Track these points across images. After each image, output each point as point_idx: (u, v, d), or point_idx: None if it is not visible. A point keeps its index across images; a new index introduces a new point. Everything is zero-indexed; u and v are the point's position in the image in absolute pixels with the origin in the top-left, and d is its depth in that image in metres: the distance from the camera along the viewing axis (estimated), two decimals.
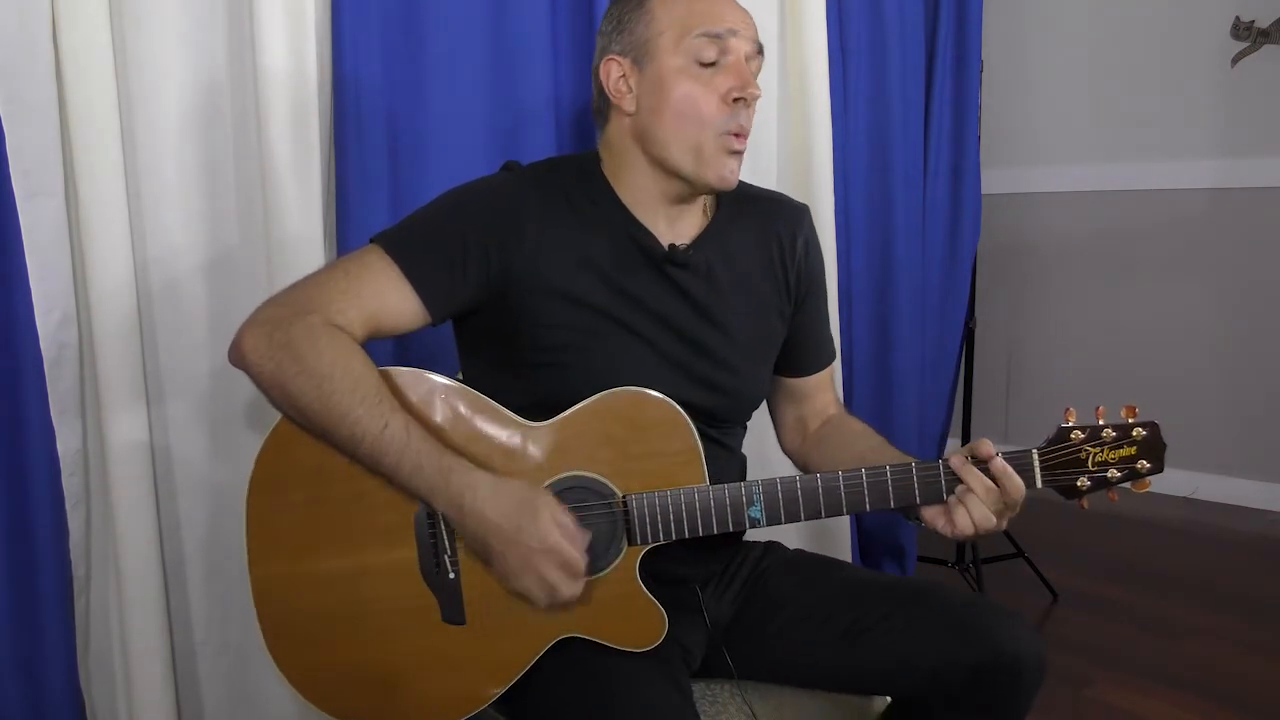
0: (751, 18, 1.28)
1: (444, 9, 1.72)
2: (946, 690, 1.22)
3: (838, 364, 2.29)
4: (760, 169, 2.18)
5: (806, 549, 1.49)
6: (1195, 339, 3.57)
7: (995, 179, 3.30)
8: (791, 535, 2.29)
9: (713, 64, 1.23)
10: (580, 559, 1.14)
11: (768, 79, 2.17)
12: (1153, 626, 2.59)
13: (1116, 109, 3.67)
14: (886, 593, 1.31)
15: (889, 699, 1.39)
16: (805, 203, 2.19)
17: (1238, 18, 3.35)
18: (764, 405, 1.49)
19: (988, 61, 2.78)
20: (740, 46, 1.25)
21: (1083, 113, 3.75)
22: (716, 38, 1.23)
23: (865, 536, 2.56)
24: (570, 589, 1.14)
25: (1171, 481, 3.57)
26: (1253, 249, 3.43)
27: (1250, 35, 3.33)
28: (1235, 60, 3.38)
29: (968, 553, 2.74)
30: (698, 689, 1.32)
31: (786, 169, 2.26)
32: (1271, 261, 3.39)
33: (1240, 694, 2.24)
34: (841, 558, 2.35)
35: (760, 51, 1.28)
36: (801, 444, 1.48)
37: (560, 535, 1.13)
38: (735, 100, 1.23)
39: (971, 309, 2.80)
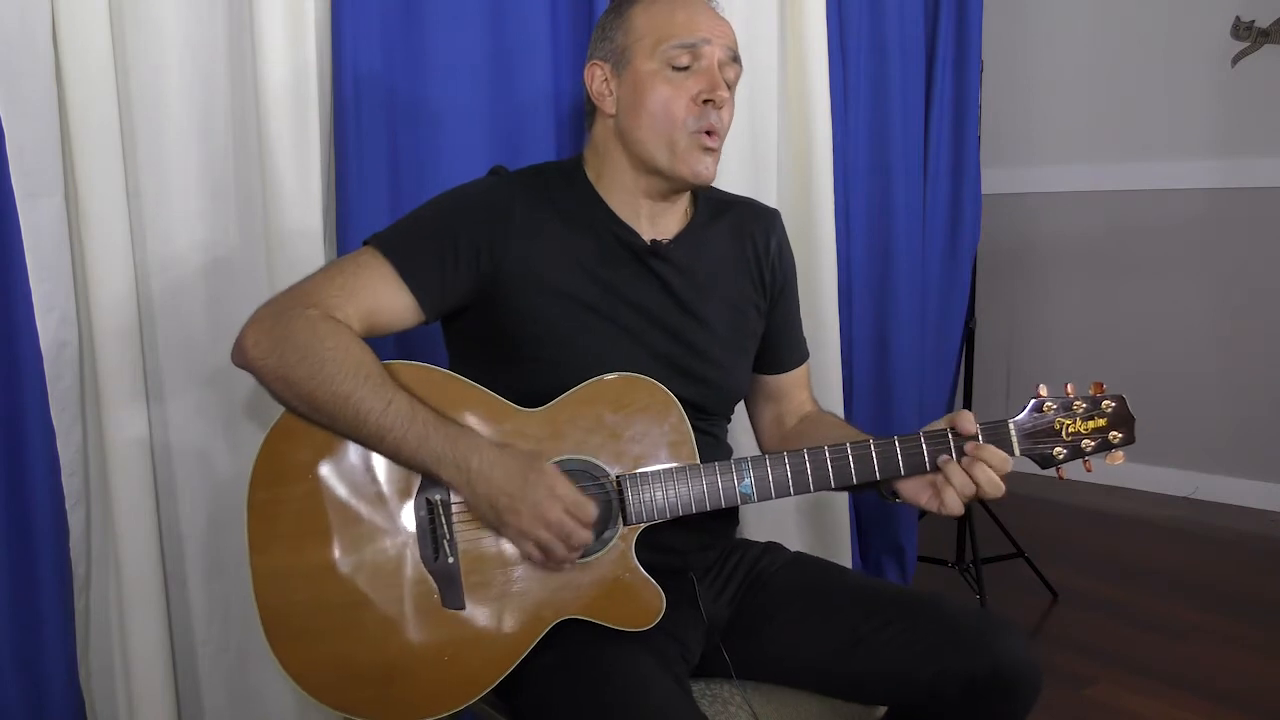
0: (729, 27, 1.34)
1: (444, 7, 1.72)
2: (943, 702, 1.23)
3: (836, 367, 2.29)
4: (760, 169, 2.18)
5: (806, 548, 1.50)
6: (1195, 339, 3.57)
7: (995, 179, 3.30)
8: (791, 534, 2.30)
9: (685, 68, 1.30)
10: (590, 504, 1.18)
11: (768, 79, 2.18)
12: (1153, 626, 2.60)
13: (1116, 109, 3.67)
14: (886, 602, 1.32)
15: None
16: (804, 203, 2.24)
17: (1238, 18, 3.35)
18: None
19: (988, 61, 2.78)
20: (713, 53, 1.31)
21: (1083, 113, 3.75)
22: (690, 47, 1.29)
23: (865, 536, 2.56)
24: (582, 534, 1.17)
25: (1171, 481, 3.57)
26: (1252, 249, 3.43)
27: (1250, 35, 3.34)
28: (1235, 60, 3.39)
29: (967, 552, 2.74)
30: (697, 688, 1.33)
31: (786, 169, 2.26)
32: (1271, 262, 3.40)
33: (1240, 694, 2.24)
34: (841, 556, 2.35)
35: (736, 60, 1.34)
36: (780, 442, 1.51)
37: (566, 484, 1.18)
38: (705, 102, 1.29)
39: (971, 309, 2.80)
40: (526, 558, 1.20)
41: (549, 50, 1.86)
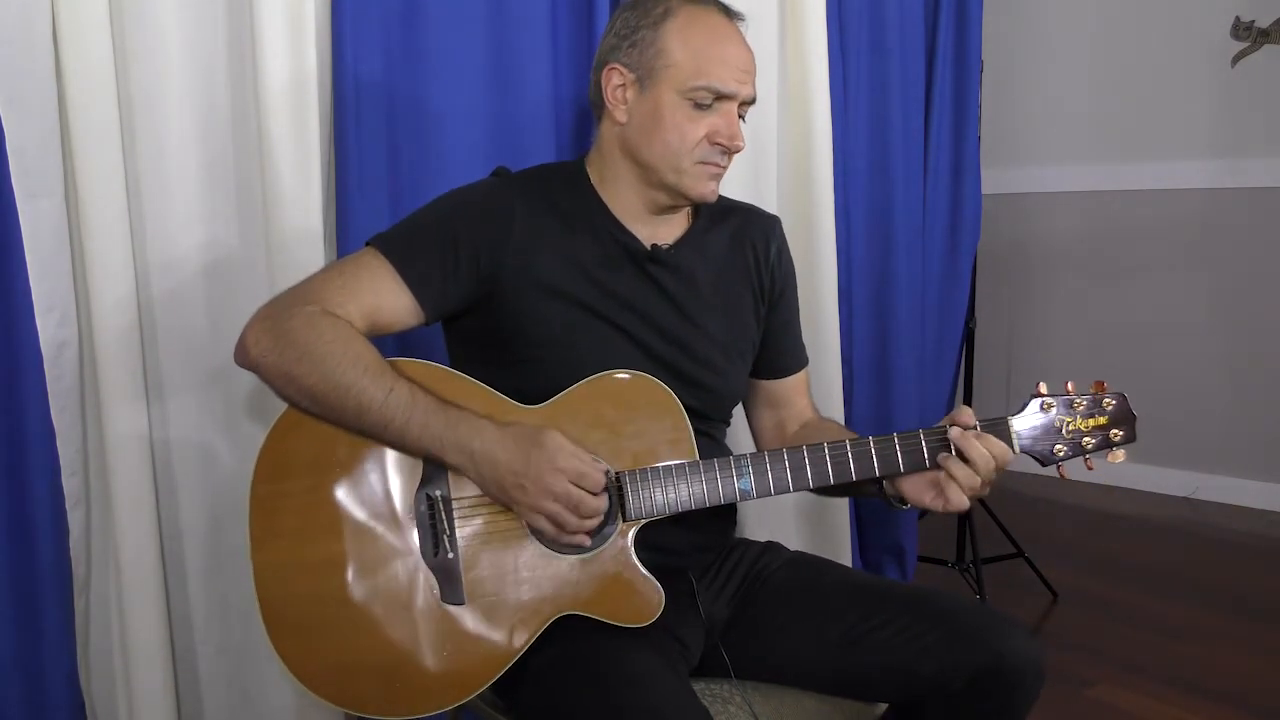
0: (753, 59, 1.33)
1: (444, 8, 1.72)
2: (945, 696, 1.24)
3: (836, 367, 2.29)
4: (760, 169, 2.18)
5: (806, 548, 1.50)
6: (1195, 339, 3.57)
7: (995, 179, 3.30)
8: (791, 534, 2.30)
9: (708, 106, 1.29)
10: (595, 472, 1.18)
11: (768, 79, 2.18)
12: (1153, 626, 2.59)
13: (1116, 109, 3.67)
14: (887, 597, 1.32)
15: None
16: (804, 203, 2.24)
17: (1238, 18, 3.35)
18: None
19: (988, 61, 2.78)
20: (737, 98, 1.30)
21: (1082, 113, 3.75)
22: (718, 94, 1.29)
23: (865, 536, 2.56)
24: (595, 501, 1.18)
25: (1171, 481, 3.57)
26: (1252, 249, 3.43)
27: (1250, 35, 3.34)
28: (1235, 60, 3.39)
29: (967, 552, 2.74)
30: (697, 688, 1.32)
31: (786, 169, 2.26)
32: (1270, 261, 3.40)
33: (1240, 694, 2.24)
34: (841, 557, 2.36)
35: (753, 98, 1.34)
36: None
37: (570, 455, 1.17)
38: (716, 144, 1.30)
39: (971, 309, 2.80)
40: (540, 533, 1.21)
41: (549, 52, 1.86)
